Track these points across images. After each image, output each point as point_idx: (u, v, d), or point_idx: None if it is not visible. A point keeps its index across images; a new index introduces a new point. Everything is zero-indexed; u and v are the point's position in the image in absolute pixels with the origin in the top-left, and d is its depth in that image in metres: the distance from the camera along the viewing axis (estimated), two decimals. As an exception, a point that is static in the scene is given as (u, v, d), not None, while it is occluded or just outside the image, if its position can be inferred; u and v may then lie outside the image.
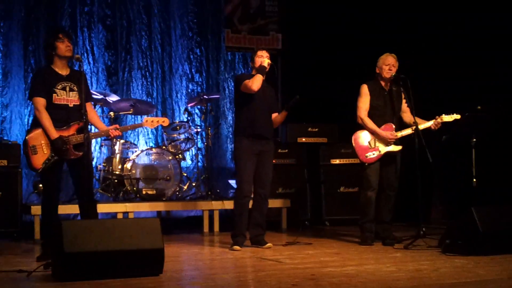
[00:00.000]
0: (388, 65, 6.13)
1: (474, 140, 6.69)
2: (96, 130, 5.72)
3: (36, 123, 5.36)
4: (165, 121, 5.84)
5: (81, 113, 5.27)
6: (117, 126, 5.68)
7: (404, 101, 6.28)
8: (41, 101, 5.30)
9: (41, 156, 5.27)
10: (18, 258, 5.44)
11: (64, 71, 5.42)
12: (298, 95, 5.97)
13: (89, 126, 5.36)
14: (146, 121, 5.77)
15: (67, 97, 5.37)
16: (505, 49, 7.38)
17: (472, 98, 7.20)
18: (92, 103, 6.17)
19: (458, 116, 6.13)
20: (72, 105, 5.38)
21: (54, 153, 5.27)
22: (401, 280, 4.32)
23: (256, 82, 5.88)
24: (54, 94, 5.33)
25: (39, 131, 5.30)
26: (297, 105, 6.03)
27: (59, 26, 8.27)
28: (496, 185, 7.18)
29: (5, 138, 7.95)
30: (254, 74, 6.02)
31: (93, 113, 5.68)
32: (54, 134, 5.24)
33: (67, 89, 5.38)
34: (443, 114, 6.11)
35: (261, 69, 5.96)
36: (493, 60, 7.44)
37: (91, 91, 7.70)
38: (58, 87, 5.35)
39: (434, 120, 6.10)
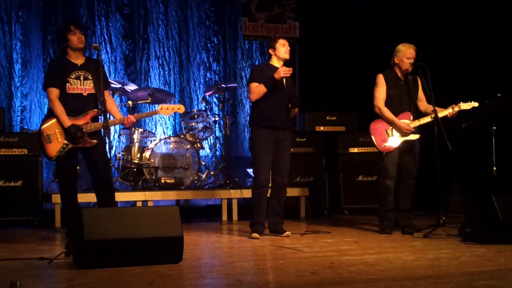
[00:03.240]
0: (409, 58, 6.07)
1: (494, 128, 6.63)
2: (112, 118, 5.71)
3: (51, 113, 5.40)
4: (181, 108, 5.82)
5: (96, 101, 5.29)
6: (133, 116, 5.67)
7: (420, 89, 6.23)
8: (54, 91, 5.34)
9: (56, 144, 5.30)
10: (39, 246, 5.49)
11: (78, 61, 5.44)
12: (296, 98, 5.99)
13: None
14: (161, 108, 5.75)
15: (81, 86, 5.39)
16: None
17: (492, 85, 7.13)
18: (110, 91, 6.17)
19: (476, 104, 6.05)
20: (86, 94, 5.40)
21: (68, 141, 5.30)
22: (420, 268, 4.30)
23: (255, 94, 5.87)
24: (67, 84, 5.36)
25: (53, 120, 5.34)
26: (298, 105, 6.09)
27: (71, 18, 8.29)
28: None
29: (25, 127, 8.02)
30: (270, 65, 5.97)
31: (111, 101, 5.67)
32: (67, 122, 5.27)
33: (82, 78, 5.40)
34: (461, 102, 6.05)
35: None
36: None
37: (110, 80, 7.76)
38: (72, 77, 5.37)
39: (451, 108, 6.03)
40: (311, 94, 8.60)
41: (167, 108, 5.75)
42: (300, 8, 9.52)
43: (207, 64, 9.41)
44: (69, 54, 5.44)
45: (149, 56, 9.05)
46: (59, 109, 5.30)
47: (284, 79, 5.96)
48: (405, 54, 6.10)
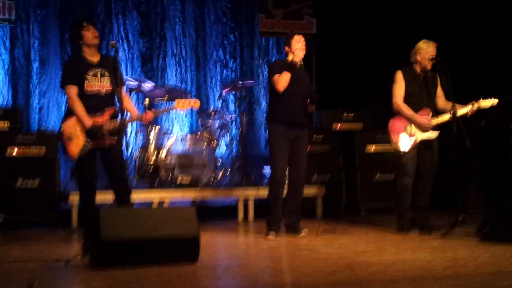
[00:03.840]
0: (430, 56, 6.01)
1: (513, 125, 6.56)
2: (129, 115, 5.69)
3: (70, 112, 5.36)
4: (196, 103, 5.79)
5: (114, 99, 5.27)
6: (150, 112, 5.65)
7: (439, 86, 6.17)
8: (73, 89, 5.29)
9: (77, 143, 5.27)
10: (56, 246, 5.51)
11: (95, 58, 5.40)
12: (318, 95, 5.99)
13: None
14: (178, 103, 5.73)
15: (99, 83, 5.36)
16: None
17: (511, 81, 7.04)
18: (125, 88, 6.15)
19: (496, 101, 5.98)
20: (104, 91, 5.37)
21: (90, 140, 5.28)
22: (438, 269, 4.27)
23: (282, 82, 5.82)
24: (86, 81, 5.31)
25: (73, 119, 5.30)
26: (318, 102, 6.07)
27: (83, 15, 8.29)
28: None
29: (43, 125, 8.05)
30: (287, 63, 5.95)
31: (126, 98, 5.65)
32: (88, 121, 5.23)
33: (99, 75, 5.36)
34: (481, 99, 5.97)
35: (291, 66, 5.88)
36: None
37: (126, 77, 7.75)
38: (90, 74, 5.32)
39: (470, 105, 5.96)
40: (328, 91, 8.54)
41: (183, 103, 5.73)
42: (318, 4, 9.46)
43: (224, 61, 9.39)
44: (84, 52, 5.37)
45: (165, 54, 9.06)
46: (80, 108, 5.25)
47: (301, 76, 5.94)
48: (428, 52, 6.04)
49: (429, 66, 6.04)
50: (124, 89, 5.70)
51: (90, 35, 5.34)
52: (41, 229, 6.71)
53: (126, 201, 5.32)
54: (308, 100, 5.98)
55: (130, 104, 5.64)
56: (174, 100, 8.07)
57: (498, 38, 7.46)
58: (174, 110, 6.04)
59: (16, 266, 4.54)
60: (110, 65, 5.34)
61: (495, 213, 5.49)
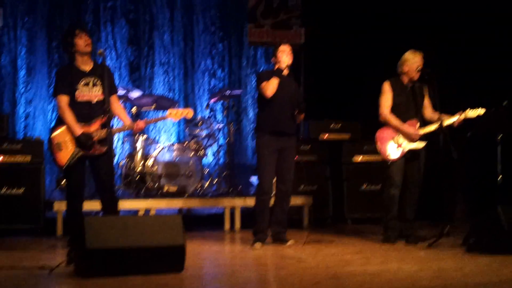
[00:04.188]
0: (417, 67, 6.04)
1: (500, 136, 6.58)
2: (121, 123, 5.67)
3: (60, 121, 5.37)
4: (189, 113, 5.78)
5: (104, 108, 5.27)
6: (142, 121, 5.63)
7: (426, 96, 6.19)
8: (64, 99, 5.29)
9: (66, 152, 5.27)
10: (41, 254, 5.47)
11: (87, 67, 5.39)
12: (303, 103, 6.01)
13: (114, 119, 5.36)
14: (170, 113, 5.71)
15: (90, 93, 5.35)
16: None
17: (498, 93, 7.08)
18: (118, 95, 6.13)
19: (482, 111, 6.01)
20: (95, 101, 5.36)
21: (79, 149, 5.27)
22: (424, 279, 4.27)
23: (270, 87, 5.84)
24: (76, 91, 5.32)
25: (63, 128, 5.30)
26: (305, 111, 6.07)
27: (75, 23, 8.27)
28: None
29: (28, 133, 8.01)
30: (275, 71, 5.97)
31: (118, 105, 5.63)
32: (78, 130, 5.23)
33: (90, 84, 5.36)
34: (468, 109, 6.01)
35: (277, 72, 5.92)
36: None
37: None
38: (81, 83, 5.33)
39: (457, 115, 5.98)
40: (316, 101, 8.56)
41: (176, 113, 5.72)
42: (306, 15, 9.50)
43: (212, 71, 9.39)
44: (77, 60, 5.35)
45: (153, 63, 9.05)
46: (70, 117, 5.26)
47: (289, 86, 5.96)
48: (415, 62, 6.06)
49: (416, 77, 6.07)
50: (116, 97, 5.68)
51: (82, 43, 5.32)
52: (26, 237, 6.66)
53: (113, 211, 5.31)
54: (297, 110, 5.99)
55: (123, 113, 5.62)
56: (161, 109, 8.13)
57: (486, 50, 7.51)
58: (166, 119, 6.02)
59: (0, 274, 4.49)
60: (103, 74, 5.31)
61: (480, 225, 5.51)
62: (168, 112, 5.72)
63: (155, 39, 9.05)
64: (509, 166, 6.66)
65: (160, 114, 8.59)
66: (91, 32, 8.52)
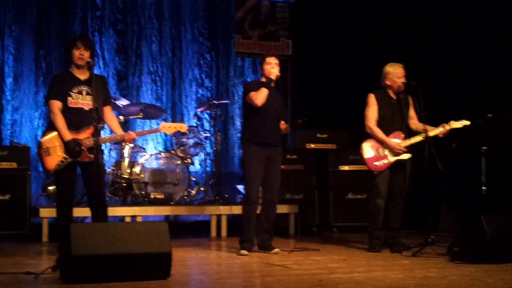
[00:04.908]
0: (400, 77, 6.10)
1: (484, 148, 6.65)
2: (113, 134, 5.72)
3: (51, 126, 5.42)
4: (183, 127, 5.81)
5: (98, 116, 5.30)
6: (133, 132, 5.66)
7: (412, 107, 6.25)
8: (56, 104, 5.36)
9: (55, 158, 5.31)
10: (26, 260, 5.44)
11: (82, 76, 5.49)
12: (305, 119, 6.00)
13: (105, 130, 5.40)
14: (163, 126, 5.73)
15: (83, 101, 5.42)
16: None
17: (482, 105, 7.16)
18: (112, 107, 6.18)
19: (468, 122, 6.07)
20: (88, 109, 5.42)
21: (68, 155, 5.30)
22: (409, 287, 4.30)
23: (260, 97, 5.87)
24: (69, 98, 5.39)
25: (54, 133, 5.36)
26: (302, 126, 6.11)
27: (82, 34, 8.29)
28: (505, 194, 7.13)
29: (15, 140, 7.99)
30: (262, 82, 6.01)
31: (112, 117, 5.71)
32: (68, 136, 5.29)
33: (84, 93, 5.44)
34: (452, 120, 6.07)
35: (268, 82, 5.96)
36: (504, 65, 7.38)
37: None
38: (74, 91, 5.41)
39: (442, 127, 6.05)
40: (303, 111, 8.62)
41: (169, 127, 5.73)
42: (294, 27, 9.57)
43: (200, 81, 9.43)
44: (72, 68, 5.50)
45: (141, 72, 9.07)
46: (61, 122, 5.33)
47: (275, 96, 6.01)
48: (396, 74, 6.13)
49: (402, 87, 6.13)
50: (111, 108, 5.72)
51: (77, 54, 5.42)
52: (12, 243, 6.64)
53: (103, 218, 5.33)
54: (289, 125, 6.06)
55: (116, 124, 5.66)
56: (148, 118, 8.14)
57: (471, 63, 7.58)
58: (158, 132, 6.06)
59: (-16, 280, 4.48)
60: (97, 84, 5.35)
61: (465, 234, 5.55)
62: (161, 125, 5.75)
63: (143, 49, 9.07)
64: (493, 178, 6.72)
65: (148, 122, 8.61)
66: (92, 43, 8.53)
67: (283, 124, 6.16)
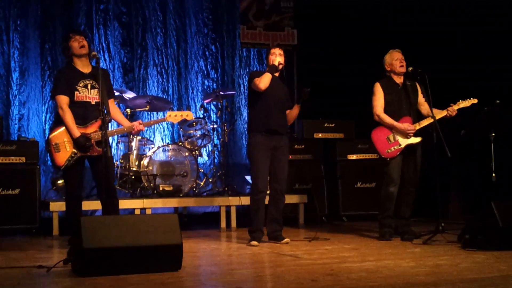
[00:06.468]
0: (397, 59, 6.12)
1: (493, 134, 6.63)
2: (120, 126, 5.71)
3: (59, 121, 5.41)
4: (189, 115, 5.81)
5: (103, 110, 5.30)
6: (141, 121, 5.66)
7: (420, 94, 6.23)
8: (64, 99, 5.36)
9: (64, 153, 5.32)
10: (38, 254, 5.46)
11: (85, 69, 5.49)
12: (308, 88, 5.94)
13: (112, 123, 5.40)
14: (170, 115, 5.74)
15: (89, 94, 5.42)
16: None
17: (491, 92, 7.12)
18: (115, 101, 6.21)
19: (475, 100, 6.06)
20: (94, 103, 5.43)
21: (77, 150, 5.31)
22: (420, 275, 4.29)
23: (263, 81, 5.86)
24: (76, 92, 5.40)
25: (62, 129, 5.36)
26: (309, 98, 6.02)
27: (71, 27, 8.29)
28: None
29: (23, 135, 8.00)
30: (269, 67, 6.00)
31: (116, 110, 5.73)
32: (76, 132, 5.31)
33: (89, 86, 5.44)
34: (460, 100, 6.06)
35: (271, 68, 5.95)
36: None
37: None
38: (80, 85, 5.41)
39: (448, 109, 6.03)
40: (310, 101, 8.58)
41: (176, 115, 5.74)
42: (298, 16, 9.52)
43: (205, 72, 9.40)
44: (75, 63, 5.48)
45: (147, 64, 9.05)
46: (70, 119, 5.33)
47: (279, 86, 5.99)
48: (392, 57, 6.16)
49: (403, 70, 6.10)
50: (114, 101, 5.73)
51: (77, 45, 5.41)
52: (22, 237, 6.67)
53: (113, 211, 5.35)
54: (296, 101, 6.08)
55: (121, 116, 5.67)
56: (155, 111, 8.14)
57: (479, 50, 7.55)
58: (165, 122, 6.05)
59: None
60: (100, 76, 5.35)
61: (475, 221, 5.54)
62: (167, 114, 5.75)
63: (148, 41, 9.05)
64: (502, 164, 6.70)
65: (155, 115, 8.60)
66: (86, 32, 8.52)
67: (289, 112, 6.14)
